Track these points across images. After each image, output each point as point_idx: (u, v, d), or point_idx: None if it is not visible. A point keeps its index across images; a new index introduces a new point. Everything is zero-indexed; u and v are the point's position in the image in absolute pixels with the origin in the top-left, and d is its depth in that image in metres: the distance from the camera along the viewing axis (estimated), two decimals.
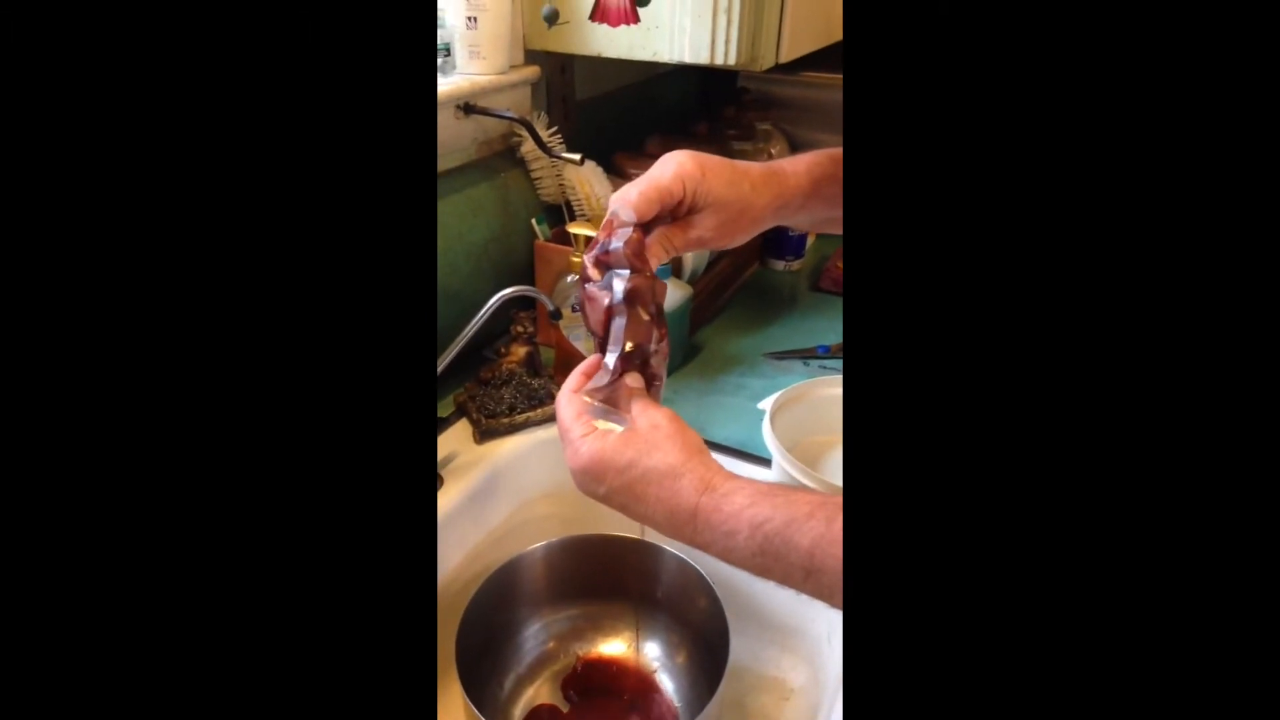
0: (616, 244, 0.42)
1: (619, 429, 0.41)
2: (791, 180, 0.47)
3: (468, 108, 0.75)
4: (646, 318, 0.43)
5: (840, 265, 1.09)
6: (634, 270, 0.42)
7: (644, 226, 0.43)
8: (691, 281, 0.90)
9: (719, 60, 0.71)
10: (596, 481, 0.40)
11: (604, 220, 0.44)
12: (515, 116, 0.73)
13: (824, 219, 0.50)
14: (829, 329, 0.94)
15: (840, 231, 0.56)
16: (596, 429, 0.41)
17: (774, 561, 0.36)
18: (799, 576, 0.35)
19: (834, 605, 0.35)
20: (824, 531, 0.34)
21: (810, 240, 1.14)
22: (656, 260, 0.44)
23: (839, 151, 0.48)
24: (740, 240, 0.47)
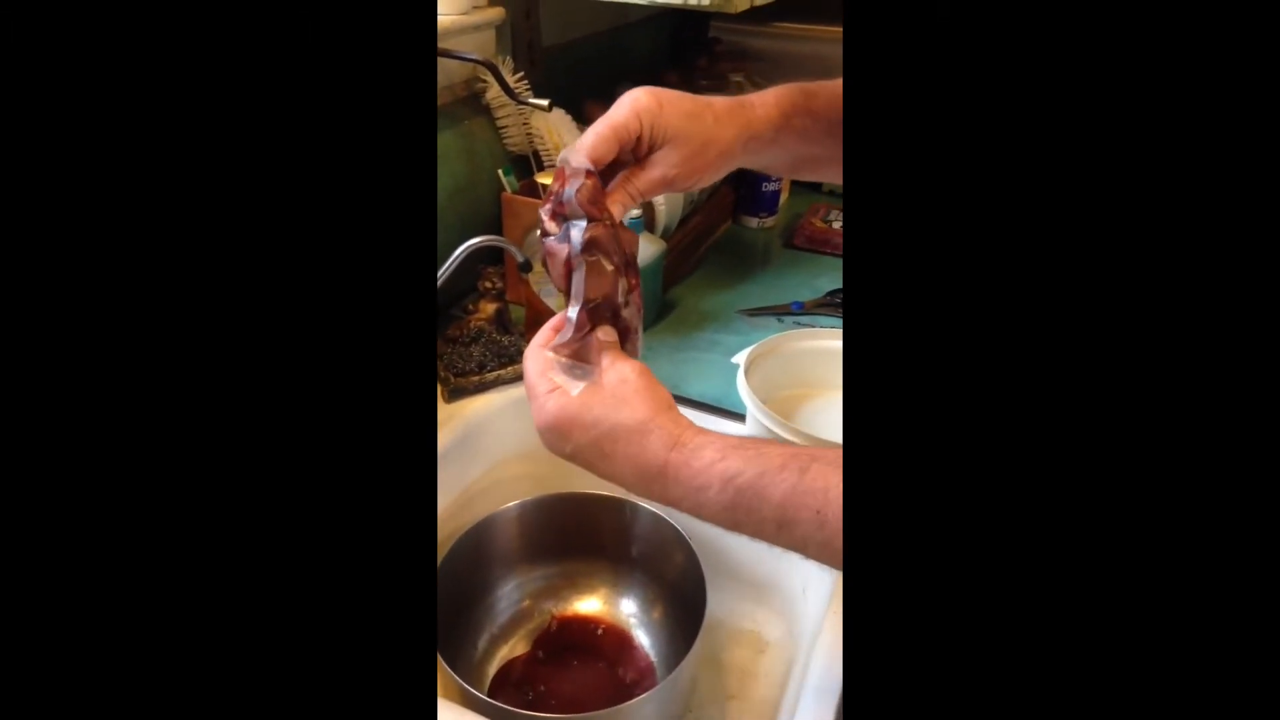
0: (570, 192, 0.40)
1: (585, 385, 0.39)
2: (760, 111, 0.44)
3: None
4: (610, 268, 0.41)
5: (814, 222, 1.08)
6: (591, 219, 0.40)
7: (604, 175, 0.41)
8: (665, 236, 0.88)
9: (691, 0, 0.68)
10: (562, 439, 0.39)
11: (556, 169, 0.42)
12: (480, 59, 0.70)
13: (797, 157, 0.47)
14: (803, 285, 0.93)
15: (816, 176, 0.53)
16: (562, 385, 0.39)
17: (746, 515, 0.35)
18: (771, 530, 0.35)
19: (807, 556, 0.35)
20: (796, 483, 0.34)
21: (783, 198, 1.13)
22: (622, 208, 0.42)
23: (810, 84, 0.46)
24: (708, 178, 0.44)
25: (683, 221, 0.93)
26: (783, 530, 0.34)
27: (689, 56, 1.15)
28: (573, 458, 0.39)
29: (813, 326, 0.83)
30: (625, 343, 0.43)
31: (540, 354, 0.41)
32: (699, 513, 0.37)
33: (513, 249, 0.65)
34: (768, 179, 1.05)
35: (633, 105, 0.40)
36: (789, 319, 0.87)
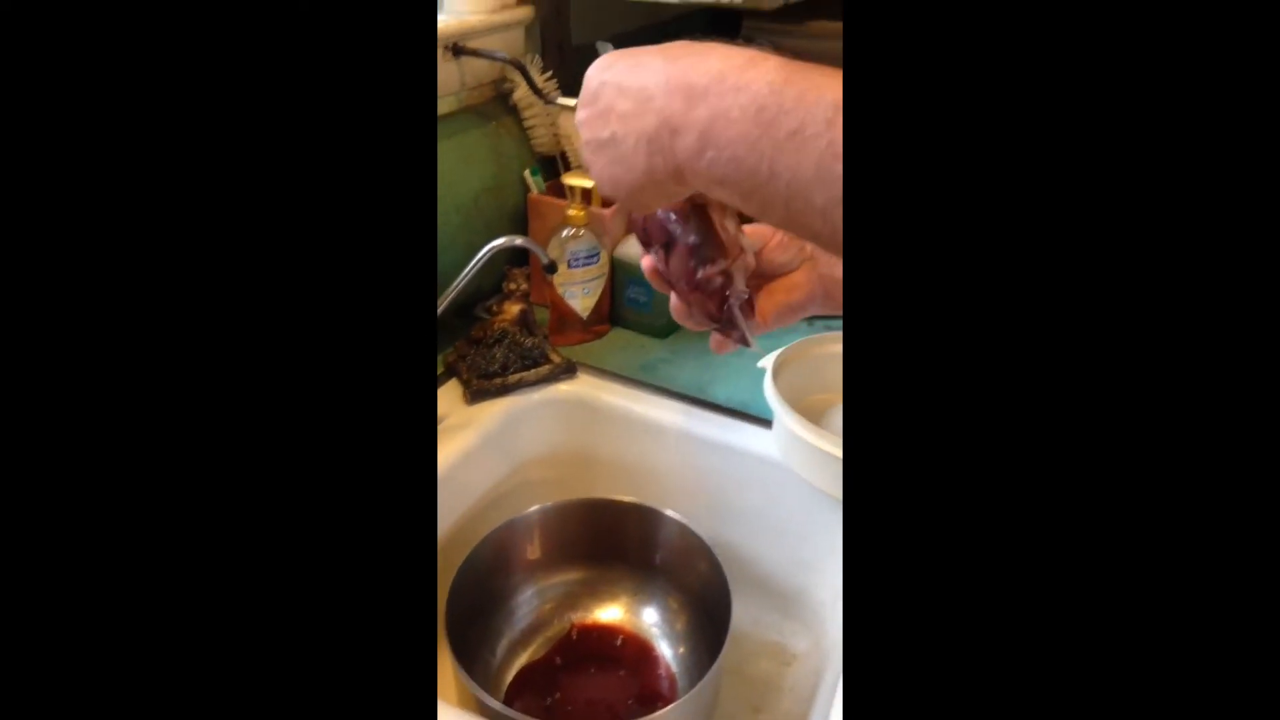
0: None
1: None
2: None
3: (456, 49, 0.70)
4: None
5: None
6: None
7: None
8: None
9: None
10: (603, 67, 0.33)
11: None
12: (508, 58, 0.69)
13: None
14: None
15: None
16: None
17: (797, 101, 0.27)
18: (821, 121, 0.26)
19: (832, 167, 0.26)
20: None
21: None
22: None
23: None
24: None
25: None
26: (837, 117, 0.26)
27: None
28: (603, 81, 0.33)
29: (842, 330, 0.81)
30: (735, 323, 0.41)
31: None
32: (738, 96, 0.28)
33: (539, 250, 0.65)
34: None
35: None
36: (819, 322, 0.85)
